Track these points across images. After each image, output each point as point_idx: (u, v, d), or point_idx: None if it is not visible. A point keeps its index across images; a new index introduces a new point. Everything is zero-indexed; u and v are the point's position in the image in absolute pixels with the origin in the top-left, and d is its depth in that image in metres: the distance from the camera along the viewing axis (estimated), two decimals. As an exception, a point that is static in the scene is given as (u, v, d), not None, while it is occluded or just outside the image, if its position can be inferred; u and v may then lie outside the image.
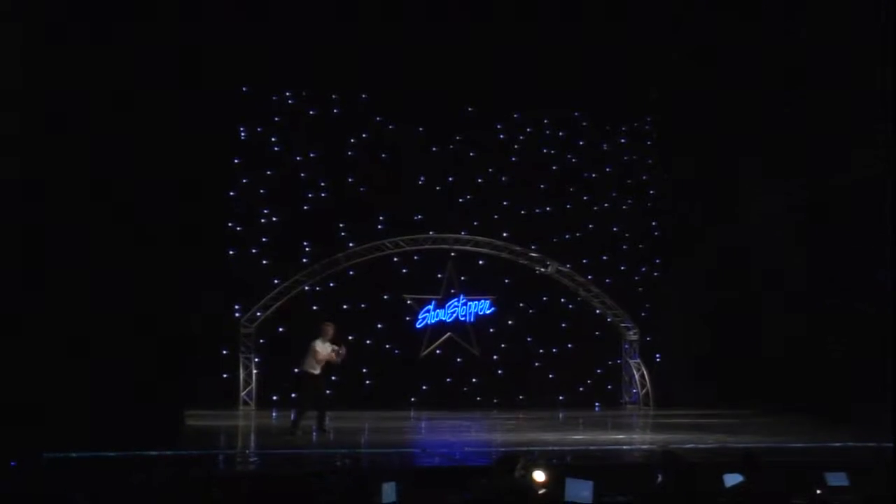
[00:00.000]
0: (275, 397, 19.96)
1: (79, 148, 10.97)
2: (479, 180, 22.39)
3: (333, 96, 21.49)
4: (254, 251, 20.56)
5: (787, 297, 19.67)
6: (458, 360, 21.58)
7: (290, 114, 21.14)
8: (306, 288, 20.18)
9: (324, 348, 13.55)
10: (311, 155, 21.21)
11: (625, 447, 12.08)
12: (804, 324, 18.96)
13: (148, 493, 8.28)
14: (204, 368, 18.62)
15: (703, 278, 21.75)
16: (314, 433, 13.22)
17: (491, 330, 21.82)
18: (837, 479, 8.07)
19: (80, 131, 10.97)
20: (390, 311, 21.29)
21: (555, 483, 8.07)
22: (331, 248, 20.38)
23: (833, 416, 16.08)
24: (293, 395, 13.51)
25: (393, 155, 21.69)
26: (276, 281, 20.05)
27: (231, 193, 20.57)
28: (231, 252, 20.39)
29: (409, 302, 21.28)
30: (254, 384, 19.55)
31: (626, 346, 21.84)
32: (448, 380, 21.51)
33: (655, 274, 23.21)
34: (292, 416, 13.47)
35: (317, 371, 13.50)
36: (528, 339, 22.17)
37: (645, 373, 21.24)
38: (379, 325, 21.25)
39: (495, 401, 21.40)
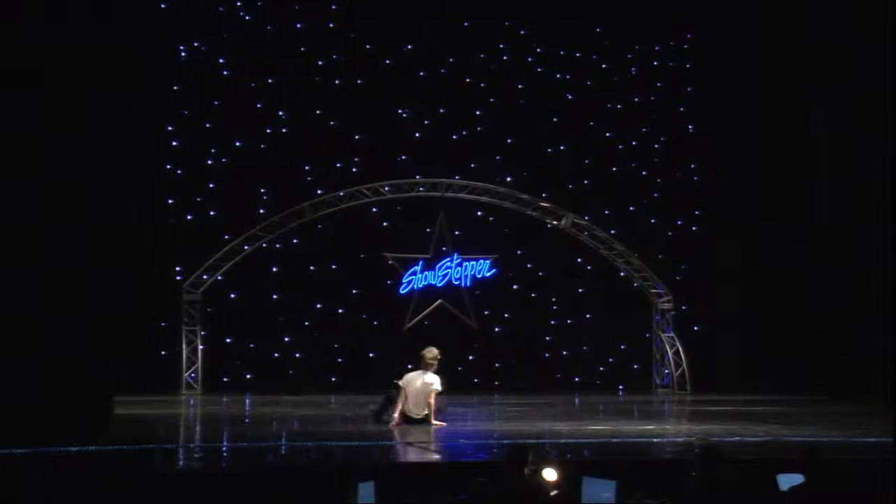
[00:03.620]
0: (226, 379, 20.01)
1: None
2: (478, 112, 22.18)
3: (296, 6, 21.17)
4: (199, 200, 20.41)
5: (859, 257, 19.59)
6: (452, 333, 21.56)
7: (241, 29, 20.82)
8: (264, 245, 20.08)
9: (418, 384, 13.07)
10: (269, 80, 20.95)
11: (655, 440, 12.09)
12: (880, 290, 18.88)
13: (67, 495, 8.20)
14: (137, 344, 18.61)
15: (753, 234, 21.70)
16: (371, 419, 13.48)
17: (491, 296, 21.79)
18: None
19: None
20: (368, 274, 21.23)
21: (569, 483, 8.05)
22: (294, 196, 20.23)
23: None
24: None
25: (371, 80, 21.43)
26: (226, 237, 19.92)
27: (169, 128, 20.37)
28: (170, 201, 20.25)
29: (390, 262, 21.20)
30: (199, 363, 19.54)
31: (658, 317, 21.85)
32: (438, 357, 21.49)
33: (694, 229, 23.15)
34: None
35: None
36: (537, 307, 22.14)
37: (680, 349, 21.28)
38: (354, 291, 21.19)
39: (497, 383, 21.44)
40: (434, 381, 13.13)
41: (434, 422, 13.01)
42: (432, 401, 13.09)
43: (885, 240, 16.79)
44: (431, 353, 13.26)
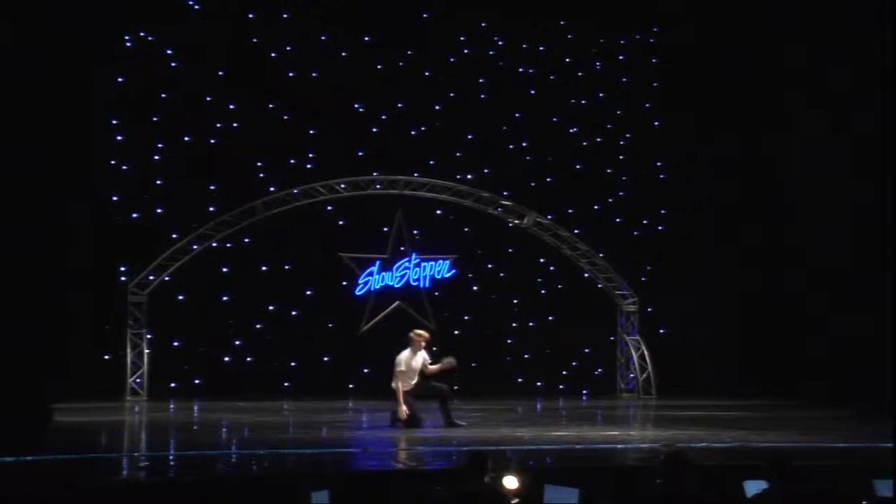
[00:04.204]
0: (173, 384, 19.82)
1: None
2: (437, 107, 22.16)
3: (247, -6, 21.09)
4: (145, 197, 20.20)
5: (832, 256, 19.79)
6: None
7: (189, 18, 20.64)
8: (214, 244, 19.92)
9: (412, 362, 13.85)
10: (220, 73, 20.79)
11: (619, 446, 12.15)
12: (854, 293, 19.10)
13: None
14: (79, 348, 18.38)
15: (721, 233, 21.87)
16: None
17: (451, 298, 21.79)
18: (888, 487, 8.12)
19: None
20: (323, 274, 21.13)
21: (531, 490, 8.05)
22: (246, 194, 20.07)
23: (882, 409, 16.33)
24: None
25: (326, 73, 21.34)
26: (174, 235, 19.75)
27: (113, 122, 20.14)
28: (114, 198, 20.01)
29: (346, 262, 21.13)
30: (145, 368, 19.34)
31: (623, 320, 21.95)
32: (396, 361, 21.48)
33: (660, 228, 23.29)
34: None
35: (408, 387, 13.81)
36: (498, 309, 22.16)
37: (646, 353, 21.39)
38: (308, 292, 21.09)
39: (456, 387, 21.24)
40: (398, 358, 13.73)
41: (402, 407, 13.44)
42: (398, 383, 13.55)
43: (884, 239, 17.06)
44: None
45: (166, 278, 19.65)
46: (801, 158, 20.79)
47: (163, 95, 20.39)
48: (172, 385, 19.79)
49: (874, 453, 11.34)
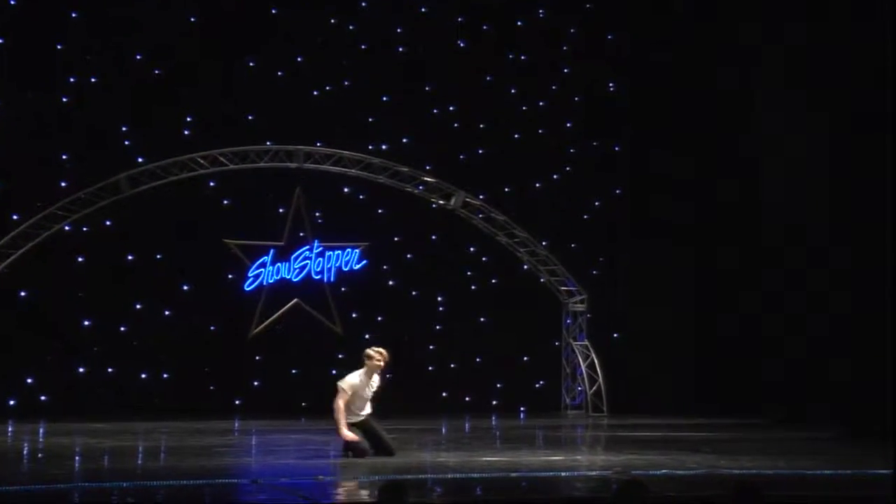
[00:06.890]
0: (12, 402, 19.58)
1: None
2: (344, 62, 22.07)
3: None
4: (-21, 168, 19.88)
5: (810, 250, 20.15)
6: (310, 340, 21.46)
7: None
8: (67, 228, 19.64)
9: (364, 388, 14.13)
10: (73, 15, 20.49)
11: (564, 474, 12.21)
12: (836, 290, 19.45)
13: None
14: None
15: (685, 218, 22.10)
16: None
17: (361, 294, 21.76)
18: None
19: None
20: (204, 265, 20.96)
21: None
22: (107, 166, 19.82)
23: (873, 430, 16.63)
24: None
25: (206, 19, 21.17)
26: (14, 216, 19.46)
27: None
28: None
29: (233, 250, 20.97)
30: (-22, 382, 19.08)
31: (569, 321, 22.11)
32: (294, 371, 21.40)
33: (613, 213, 23.46)
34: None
35: (354, 418, 13.97)
36: (418, 308, 22.20)
37: (595, 361, 21.57)
38: (185, 287, 20.88)
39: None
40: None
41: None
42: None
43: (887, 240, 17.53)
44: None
45: (4, 270, 19.29)
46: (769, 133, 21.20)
47: (1, 41, 19.99)
48: (11, 403, 19.53)
49: (864, 481, 11.55)
